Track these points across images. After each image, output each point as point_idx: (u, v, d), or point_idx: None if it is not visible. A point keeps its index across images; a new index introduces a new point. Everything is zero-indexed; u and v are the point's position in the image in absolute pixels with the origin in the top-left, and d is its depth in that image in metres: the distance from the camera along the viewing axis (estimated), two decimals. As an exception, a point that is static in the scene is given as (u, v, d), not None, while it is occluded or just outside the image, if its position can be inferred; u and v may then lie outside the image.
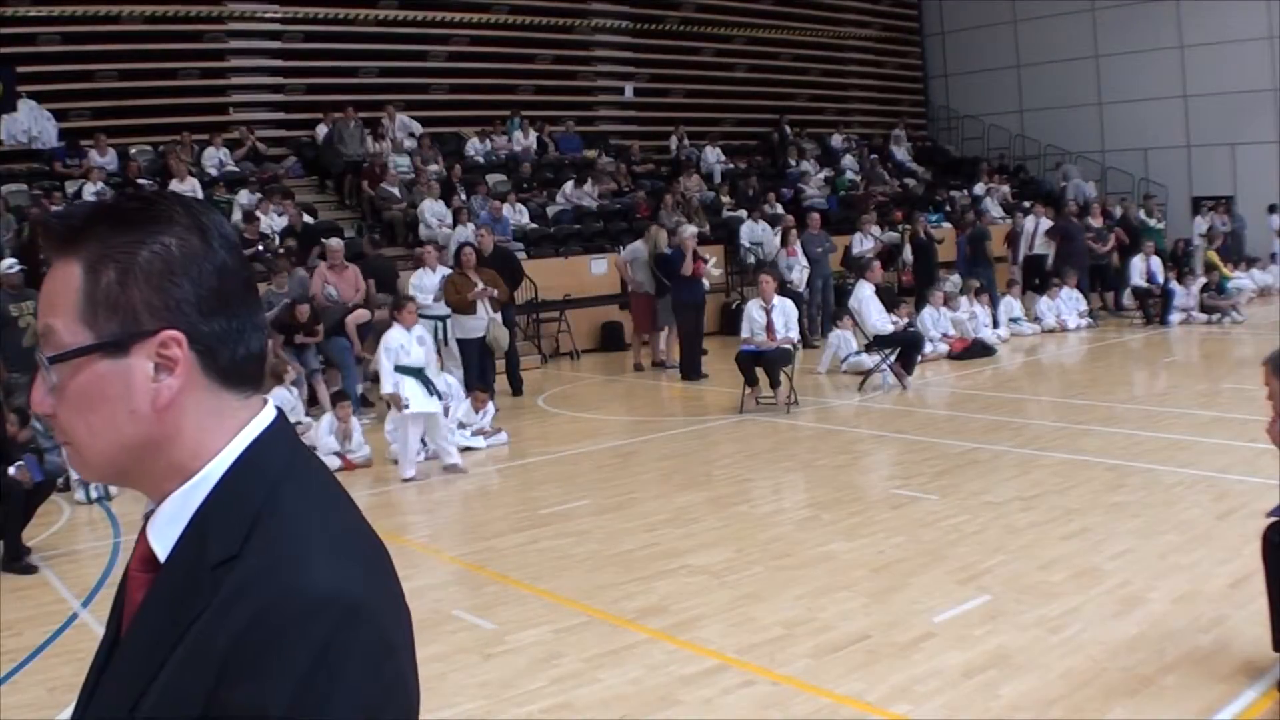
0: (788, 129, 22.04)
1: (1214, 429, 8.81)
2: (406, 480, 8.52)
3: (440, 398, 8.64)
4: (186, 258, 1.05)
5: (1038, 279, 16.95)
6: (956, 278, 16.37)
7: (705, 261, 13.24)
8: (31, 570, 6.50)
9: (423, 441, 9.30)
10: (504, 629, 5.19)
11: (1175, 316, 15.85)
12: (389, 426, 9.38)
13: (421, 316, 11.88)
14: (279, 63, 17.47)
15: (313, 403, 10.98)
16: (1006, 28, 24.77)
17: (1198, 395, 10.52)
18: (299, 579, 0.97)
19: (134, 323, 1.04)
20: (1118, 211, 19.23)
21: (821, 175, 20.91)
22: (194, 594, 0.99)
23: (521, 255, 15.05)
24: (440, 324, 11.63)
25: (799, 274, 14.90)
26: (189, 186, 13.96)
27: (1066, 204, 18.94)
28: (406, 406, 8.43)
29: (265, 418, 1.10)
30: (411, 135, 17.35)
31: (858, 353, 12.71)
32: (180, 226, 1.06)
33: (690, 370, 12.91)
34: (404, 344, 8.55)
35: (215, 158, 15.55)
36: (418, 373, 8.56)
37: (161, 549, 1.05)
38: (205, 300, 1.05)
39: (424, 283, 11.66)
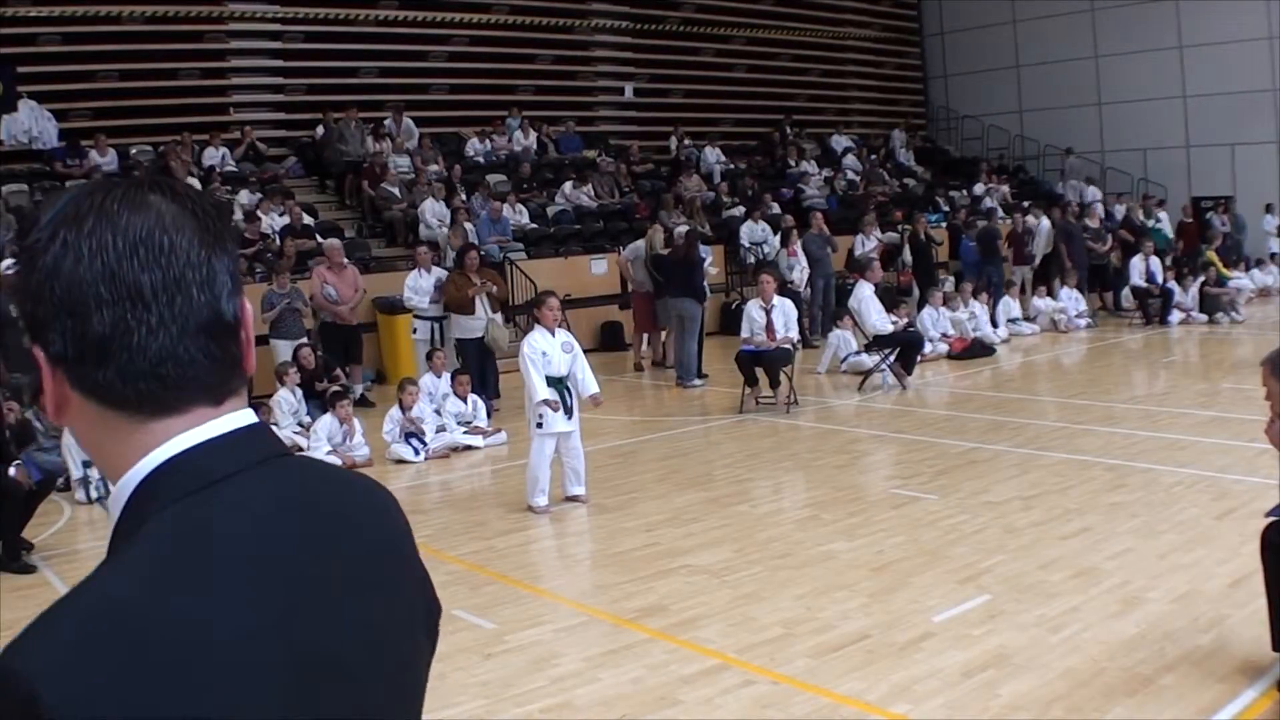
0: (788, 129, 22.05)
1: (1213, 429, 8.82)
2: (538, 510, 7.25)
3: (571, 415, 7.24)
4: (38, 266, 0.92)
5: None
6: (951, 278, 16.37)
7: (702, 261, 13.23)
8: (31, 570, 6.50)
9: (422, 440, 9.32)
10: (504, 629, 5.19)
11: (1175, 316, 15.86)
12: (387, 426, 9.38)
13: (417, 317, 11.90)
14: (279, 63, 17.47)
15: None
16: (1006, 28, 24.77)
17: (1197, 395, 10.52)
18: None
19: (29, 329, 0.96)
20: (1118, 211, 19.22)
21: (821, 175, 20.92)
22: None
23: (521, 256, 15.07)
24: (436, 325, 11.67)
25: (799, 274, 14.89)
26: (189, 187, 13.98)
27: (1069, 202, 18.93)
28: (540, 425, 7.14)
29: (180, 443, 0.94)
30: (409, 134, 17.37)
31: (858, 353, 12.70)
32: (50, 227, 0.93)
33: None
34: (547, 350, 7.19)
35: (215, 158, 15.55)
36: (557, 383, 7.18)
37: None
38: (48, 314, 0.92)
39: (419, 284, 11.68)
